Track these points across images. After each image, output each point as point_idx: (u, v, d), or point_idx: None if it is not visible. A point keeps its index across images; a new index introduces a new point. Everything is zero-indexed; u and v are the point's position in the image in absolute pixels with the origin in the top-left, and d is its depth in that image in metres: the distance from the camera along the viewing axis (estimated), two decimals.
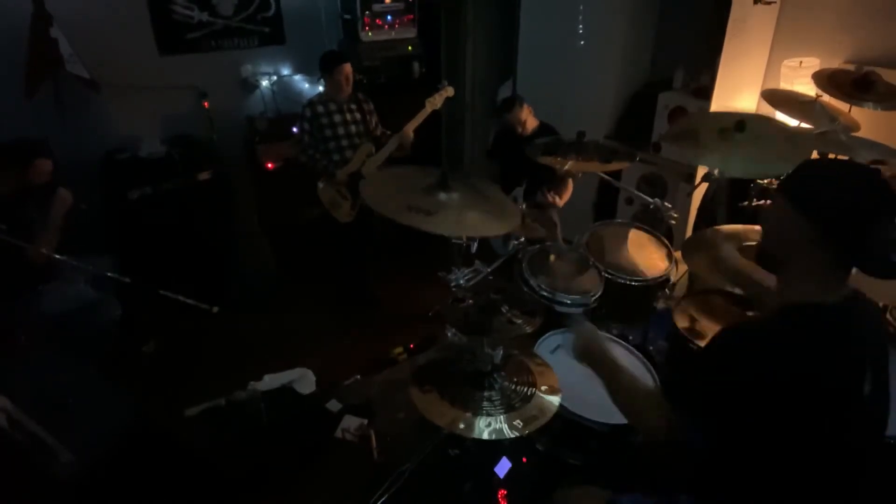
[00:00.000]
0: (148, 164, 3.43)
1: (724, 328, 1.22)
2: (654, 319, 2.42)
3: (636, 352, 2.04)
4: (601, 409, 1.73)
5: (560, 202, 3.01)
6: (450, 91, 3.32)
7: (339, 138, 3.17)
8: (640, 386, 1.34)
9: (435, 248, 1.99)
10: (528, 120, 3.10)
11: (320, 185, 3.20)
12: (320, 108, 3.13)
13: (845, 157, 2.23)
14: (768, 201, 1.24)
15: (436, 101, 3.25)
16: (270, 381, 2.84)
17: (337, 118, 3.15)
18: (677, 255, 2.41)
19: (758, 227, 2.09)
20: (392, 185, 1.89)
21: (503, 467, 1.95)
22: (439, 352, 2.06)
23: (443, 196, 1.78)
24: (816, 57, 2.96)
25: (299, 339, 3.28)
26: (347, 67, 3.09)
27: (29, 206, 2.66)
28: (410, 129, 3.20)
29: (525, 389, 1.67)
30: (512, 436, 1.52)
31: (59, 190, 2.69)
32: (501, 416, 1.55)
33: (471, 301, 1.97)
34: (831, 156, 2.72)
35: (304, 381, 2.88)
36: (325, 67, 3.11)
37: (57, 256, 2.54)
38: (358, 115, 3.23)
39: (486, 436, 1.50)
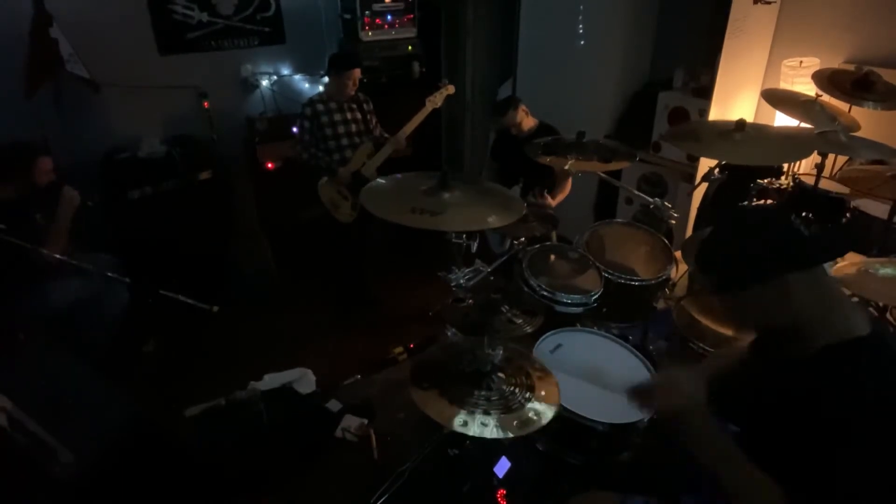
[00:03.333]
0: (148, 164, 3.44)
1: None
2: (654, 319, 2.42)
3: (636, 352, 2.04)
4: (601, 408, 1.73)
5: (553, 202, 3.00)
6: (450, 89, 3.32)
7: (339, 137, 3.17)
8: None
9: (435, 248, 1.99)
10: (525, 120, 3.05)
11: (322, 183, 3.20)
12: (320, 107, 3.12)
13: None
14: None
15: (436, 100, 3.25)
16: (270, 380, 2.84)
17: (337, 117, 3.15)
18: (677, 255, 2.41)
19: None
20: (392, 192, 1.91)
21: (502, 467, 1.95)
22: (439, 351, 2.06)
23: (445, 196, 1.81)
24: (816, 57, 2.96)
25: (299, 339, 3.28)
26: (357, 72, 3.09)
27: (35, 209, 2.62)
28: (404, 134, 3.20)
29: (524, 392, 1.67)
30: (509, 436, 1.52)
31: (65, 189, 2.62)
32: (499, 416, 1.55)
33: (471, 301, 1.97)
34: (831, 156, 2.74)
35: (304, 381, 2.88)
36: (335, 67, 3.08)
37: (58, 256, 2.53)
38: (358, 115, 3.22)
39: (478, 433, 1.50)
